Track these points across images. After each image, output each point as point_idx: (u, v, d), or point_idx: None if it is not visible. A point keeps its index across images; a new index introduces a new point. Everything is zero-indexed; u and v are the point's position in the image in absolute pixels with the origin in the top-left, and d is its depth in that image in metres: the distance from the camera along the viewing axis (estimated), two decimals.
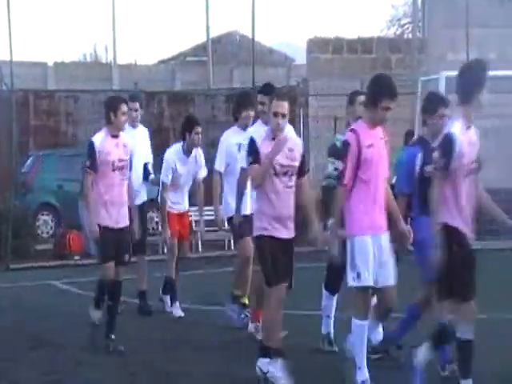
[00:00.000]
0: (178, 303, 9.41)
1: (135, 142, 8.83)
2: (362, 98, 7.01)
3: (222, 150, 8.61)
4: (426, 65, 17.54)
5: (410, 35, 20.25)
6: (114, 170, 7.52)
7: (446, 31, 17.83)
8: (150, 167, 9.68)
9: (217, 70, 23.96)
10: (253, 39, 19.29)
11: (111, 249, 7.53)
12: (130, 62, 29.43)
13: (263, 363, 6.37)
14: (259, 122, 8.01)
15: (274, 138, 6.50)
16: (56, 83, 25.54)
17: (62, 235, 15.38)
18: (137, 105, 9.53)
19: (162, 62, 32.74)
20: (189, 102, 19.77)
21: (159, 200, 9.30)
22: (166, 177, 9.20)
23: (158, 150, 19.32)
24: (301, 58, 23.47)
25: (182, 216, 9.61)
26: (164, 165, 9.25)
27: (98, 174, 7.48)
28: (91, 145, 7.53)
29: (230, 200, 8.33)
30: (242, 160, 7.55)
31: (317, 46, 18.04)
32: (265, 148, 6.43)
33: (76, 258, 14.66)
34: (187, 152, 9.23)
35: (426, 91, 12.03)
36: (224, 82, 23.47)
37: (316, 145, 16.72)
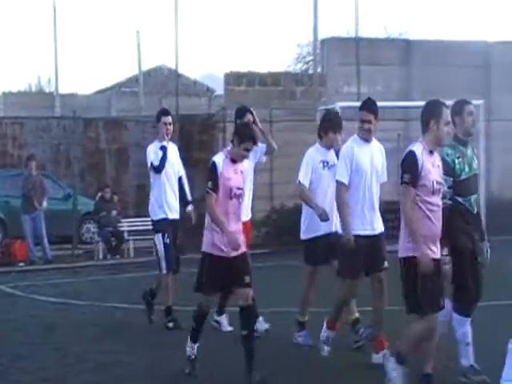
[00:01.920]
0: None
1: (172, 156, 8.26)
2: (470, 107, 5.89)
3: (307, 164, 7.08)
4: (325, 96, 17.57)
5: (312, 71, 20.35)
6: (231, 198, 6.00)
7: (341, 68, 17.91)
8: (184, 180, 8.54)
9: (147, 99, 23.79)
10: (176, 72, 19.40)
11: (220, 277, 6.00)
12: (71, 92, 28.89)
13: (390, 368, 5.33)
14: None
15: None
16: (4, 110, 24.97)
17: (8, 244, 15.02)
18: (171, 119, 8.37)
19: (99, 91, 32.31)
20: (122, 127, 19.57)
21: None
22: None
23: (94, 169, 19.16)
24: (221, 89, 23.48)
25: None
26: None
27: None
28: (214, 165, 5.99)
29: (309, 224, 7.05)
30: (328, 176, 6.87)
31: (232, 78, 18.06)
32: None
33: (20, 264, 14.32)
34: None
35: None
36: (153, 109, 23.25)
37: None
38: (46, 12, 28.07)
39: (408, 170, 5.23)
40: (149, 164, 8.17)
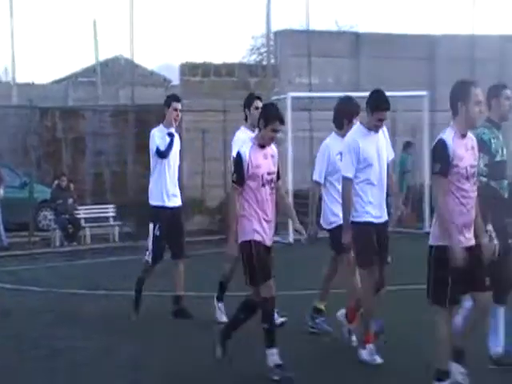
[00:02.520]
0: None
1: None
2: (508, 92, 5.59)
3: (323, 159, 6.64)
4: (278, 87, 17.55)
5: (266, 62, 20.29)
6: (263, 185, 5.60)
7: (293, 59, 17.91)
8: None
9: (104, 89, 23.43)
10: (132, 62, 19.09)
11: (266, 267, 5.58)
12: (28, 81, 28.26)
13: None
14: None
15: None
16: None
17: None
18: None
19: (56, 81, 31.68)
20: (79, 116, 19.25)
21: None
22: None
23: (50, 157, 18.80)
24: (177, 80, 23.25)
25: None
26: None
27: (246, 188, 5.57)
28: (239, 156, 5.61)
29: (334, 211, 6.54)
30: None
31: (188, 69, 17.89)
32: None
33: None
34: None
35: None
36: (110, 99, 22.97)
37: (190, 152, 16.62)
38: (2, 1, 27.40)
39: (438, 159, 4.84)
40: (154, 148, 7.70)
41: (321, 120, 15.39)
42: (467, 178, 4.86)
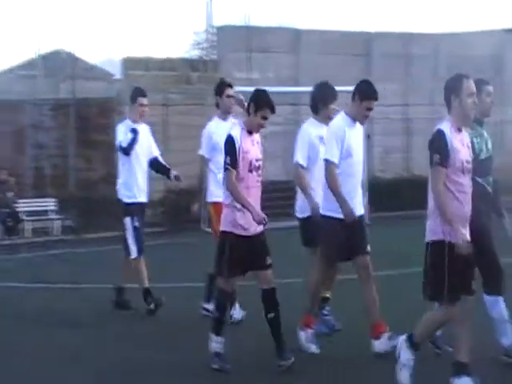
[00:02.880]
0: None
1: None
2: (489, 88, 5.49)
3: (304, 142, 6.33)
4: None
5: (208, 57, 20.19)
6: (251, 171, 5.42)
7: (234, 54, 17.86)
8: (160, 159, 7.82)
9: (45, 82, 22.90)
10: (74, 56, 18.76)
11: (242, 259, 5.39)
12: None
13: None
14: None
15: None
16: None
17: None
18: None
19: None
20: (19, 109, 18.80)
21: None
22: None
23: None
24: (119, 74, 22.95)
25: None
26: None
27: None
28: (231, 139, 5.39)
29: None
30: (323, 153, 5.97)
31: (130, 63, 17.67)
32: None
33: None
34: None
35: None
36: (51, 92, 22.49)
37: None
38: None
39: (437, 149, 4.65)
40: (117, 143, 7.53)
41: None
42: (463, 172, 4.70)
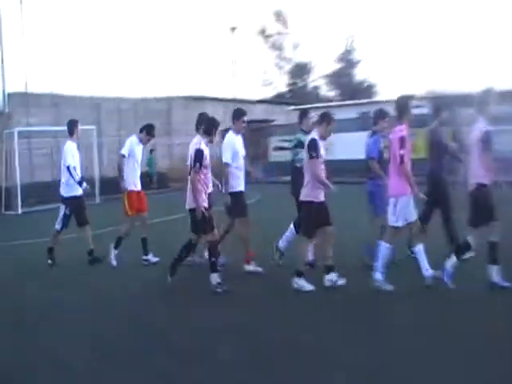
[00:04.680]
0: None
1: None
2: (312, 114, 7.89)
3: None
4: (10, 124, 20.76)
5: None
6: (206, 168, 7.57)
7: (18, 108, 21.48)
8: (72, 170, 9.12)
9: None
10: None
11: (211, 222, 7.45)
12: None
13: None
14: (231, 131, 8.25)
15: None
16: None
17: None
18: None
19: None
20: None
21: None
22: None
23: None
24: None
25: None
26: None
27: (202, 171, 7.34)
28: (200, 152, 7.38)
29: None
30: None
31: None
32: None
33: None
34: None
35: None
36: None
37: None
38: None
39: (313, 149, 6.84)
40: (66, 164, 9.15)
41: (39, 146, 21.88)
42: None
